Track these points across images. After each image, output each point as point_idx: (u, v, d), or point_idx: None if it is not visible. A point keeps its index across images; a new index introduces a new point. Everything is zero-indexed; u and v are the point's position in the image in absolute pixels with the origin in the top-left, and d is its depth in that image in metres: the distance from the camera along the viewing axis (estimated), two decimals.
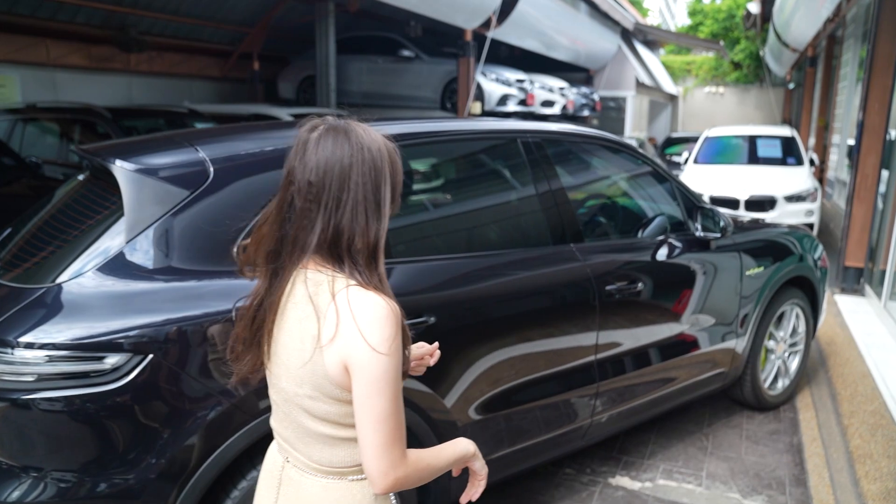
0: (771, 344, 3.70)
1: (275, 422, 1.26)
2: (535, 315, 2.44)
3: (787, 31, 11.99)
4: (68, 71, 9.04)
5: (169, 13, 9.46)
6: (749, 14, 16.27)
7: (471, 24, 8.92)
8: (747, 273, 3.33)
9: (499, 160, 2.62)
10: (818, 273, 3.88)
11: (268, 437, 1.94)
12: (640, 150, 3.08)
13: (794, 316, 3.80)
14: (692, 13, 25.16)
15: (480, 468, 1.28)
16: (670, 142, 15.05)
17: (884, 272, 5.47)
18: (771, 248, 3.55)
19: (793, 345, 3.86)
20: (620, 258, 2.77)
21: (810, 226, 7.63)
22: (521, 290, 2.40)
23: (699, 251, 3.08)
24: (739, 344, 3.38)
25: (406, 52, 10.28)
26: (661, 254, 2.93)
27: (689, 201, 3.17)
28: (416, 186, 2.41)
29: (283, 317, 1.15)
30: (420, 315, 2.14)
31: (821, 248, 4.04)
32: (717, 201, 7.77)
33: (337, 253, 1.11)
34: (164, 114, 7.07)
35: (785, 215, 7.52)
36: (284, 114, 8.32)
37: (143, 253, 1.86)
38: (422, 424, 2.17)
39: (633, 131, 16.87)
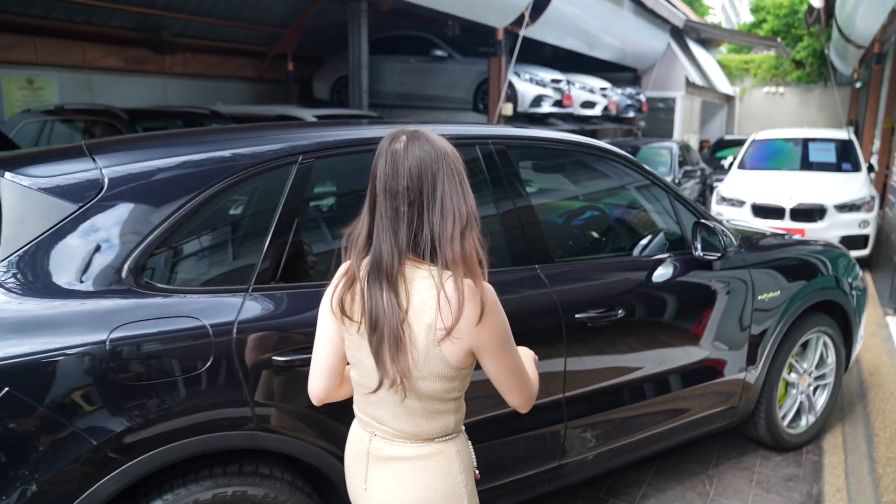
0: (793, 377, 3.27)
1: (362, 405, 1.37)
2: None
3: (850, 26, 11.14)
4: (104, 73, 9.20)
5: (202, 15, 9.51)
6: (812, 9, 15.27)
7: (502, 23, 8.59)
8: (760, 297, 2.93)
9: None
10: (853, 298, 3.42)
11: (151, 476, 1.74)
12: (633, 158, 2.72)
13: (822, 345, 3.36)
14: (755, 10, 23.99)
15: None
16: (722, 144, 14.29)
17: None
18: (793, 269, 3.13)
19: (820, 377, 3.41)
20: (598, 281, 2.44)
21: (865, 238, 6.98)
22: None
23: (698, 273, 2.71)
24: (750, 376, 2.98)
25: (439, 52, 10.03)
26: (653, 276, 2.59)
27: (690, 215, 2.79)
28: (341, 202, 2.15)
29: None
30: None
31: (857, 269, 3.57)
32: (760, 209, 7.23)
33: (442, 247, 1.22)
34: (184, 115, 7.05)
35: (836, 226, 6.91)
36: (308, 115, 8.21)
37: (17, 273, 1.67)
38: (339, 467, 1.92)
39: (685, 133, 16.14)
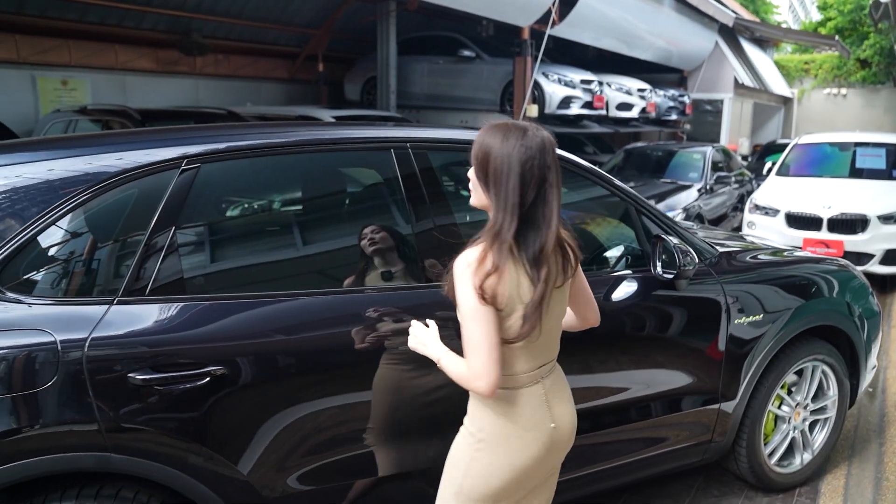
0: (784, 410, 2.93)
1: (533, 361, 1.57)
2: (387, 373, 1.95)
3: None
4: (137, 74, 9.41)
5: (232, 16, 9.62)
6: (878, 3, 14.28)
7: (527, 21, 8.32)
8: (737, 321, 2.62)
9: (358, 176, 2.15)
10: (861, 325, 3.04)
11: (24, 484, 1.62)
12: (587, 164, 2.47)
13: (820, 375, 3.00)
14: (822, 7, 22.76)
15: None
16: (772, 149, 13.49)
17: None
18: (784, 290, 2.81)
19: (818, 411, 3.05)
20: None
21: None
22: (368, 341, 1.92)
23: (660, 292, 2.43)
24: (726, 408, 2.67)
25: (466, 52, 9.83)
26: (603, 295, 2.33)
27: (655, 228, 2.51)
28: (231, 209, 1.99)
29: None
30: (203, 364, 1.73)
31: (868, 292, 3.19)
32: (794, 219, 6.73)
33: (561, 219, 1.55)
34: (198, 115, 7.10)
35: (879, 238, 6.35)
36: (327, 115, 8.17)
37: None
38: (207, 493, 1.77)
39: (737, 137, 15.40)
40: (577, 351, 2.26)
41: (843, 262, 3.28)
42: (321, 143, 2.03)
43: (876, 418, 3.79)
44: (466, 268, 1.45)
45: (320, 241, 2.04)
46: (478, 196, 1.54)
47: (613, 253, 2.54)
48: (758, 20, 18.19)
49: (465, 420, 1.62)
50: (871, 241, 6.36)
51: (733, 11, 14.76)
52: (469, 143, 2.28)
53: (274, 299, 1.86)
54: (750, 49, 16.44)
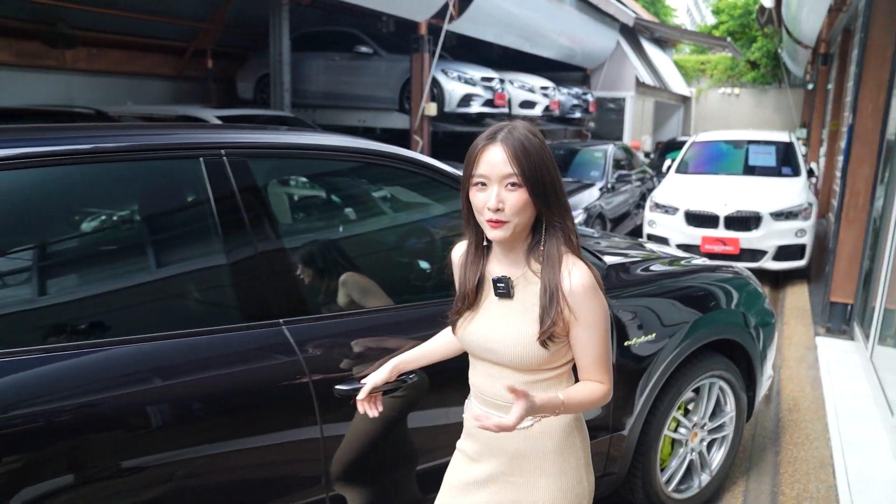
0: (680, 432, 2.72)
1: None
2: (187, 438, 1.54)
3: (796, 26, 10.81)
4: None
5: (106, 6, 8.73)
6: (763, 9, 15.00)
7: (423, 16, 7.99)
8: (627, 342, 2.37)
9: (157, 190, 1.71)
10: (757, 335, 2.89)
11: None
12: (444, 167, 2.13)
13: (717, 392, 2.82)
14: (716, 11, 23.89)
15: None
16: (672, 146, 13.86)
17: (875, 310, 4.41)
18: (678, 303, 2.59)
19: (716, 430, 2.88)
20: (377, 338, 1.83)
21: (801, 248, 6.54)
22: (164, 398, 1.50)
23: None
24: (619, 436, 2.42)
25: (363, 49, 9.40)
26: None
27: None
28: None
29: None
30: None
31: (763, 299, 3.05)
32: (693, 217, 6.76)
33: None
34: (58, 115, 6.30)
35: (771, 235, 6.46)
36: (211, 115, 7.53)
37: None
38: None
39: (640, 134, 15.76)
40: (448, 383, 1.91)
41: (738, 267, 3.14)
42: (104, 153, 1.57)
43: (772, 424, 3.70)
44: (597, 283, 1.38)
45: (106, 279, 1.58)
46: (524, 214, 1.32)
47: None
48: (657, 21, 18.76)
49: (557, 463, 1.46)
50: (765, 237, 6.46)
51: (633, 12, 15.07)
52: (302, 147, 1.91)
53: (42, 356, 1.40)
54: (650, 49, 16.89)
